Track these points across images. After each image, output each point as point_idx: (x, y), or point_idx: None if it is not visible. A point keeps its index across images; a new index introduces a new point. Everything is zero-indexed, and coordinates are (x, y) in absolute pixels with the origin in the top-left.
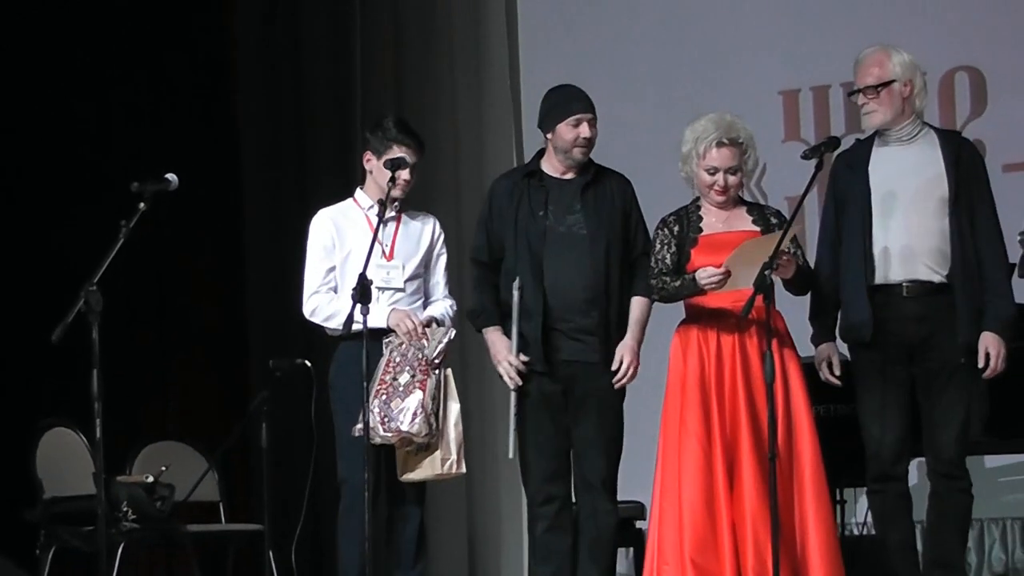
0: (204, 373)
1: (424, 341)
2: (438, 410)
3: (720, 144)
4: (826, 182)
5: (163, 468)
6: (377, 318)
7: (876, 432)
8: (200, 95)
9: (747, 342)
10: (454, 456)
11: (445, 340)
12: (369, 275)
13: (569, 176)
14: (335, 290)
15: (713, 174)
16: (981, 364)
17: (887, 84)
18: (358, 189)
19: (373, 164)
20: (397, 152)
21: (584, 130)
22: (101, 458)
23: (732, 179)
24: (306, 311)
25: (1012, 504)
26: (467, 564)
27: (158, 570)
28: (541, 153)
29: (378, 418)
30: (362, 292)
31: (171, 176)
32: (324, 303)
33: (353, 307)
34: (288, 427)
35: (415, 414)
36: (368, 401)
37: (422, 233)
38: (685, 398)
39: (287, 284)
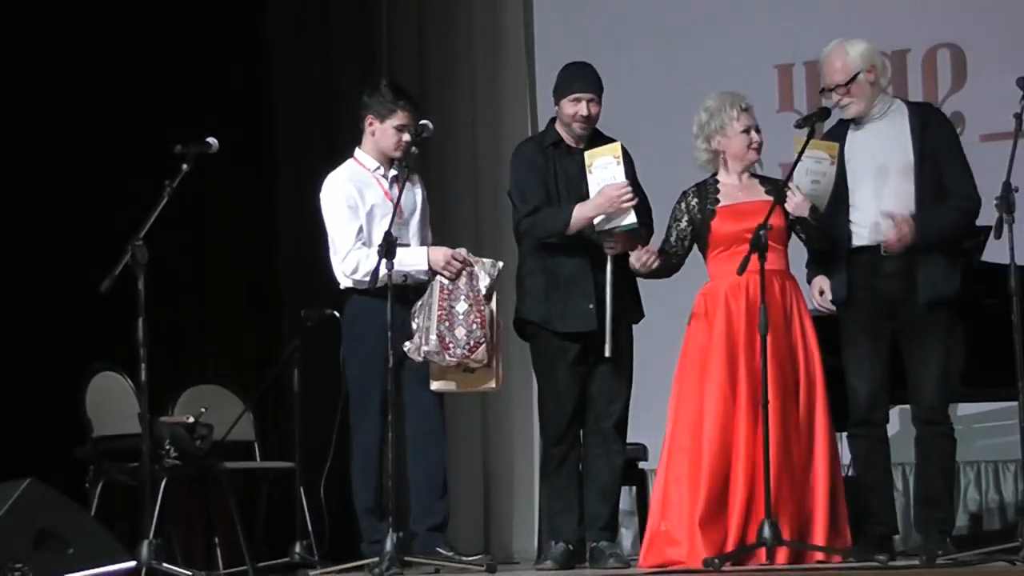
0: (241, 322)
1: (477, 271)
2: (493, 338)
3: (744, 108)
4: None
5: (203, 410)
6: (415, 259)
7: (858, 382)
8: (236, 64)
9: (773, 301)
10: (501, 374)
11: (495, 273)
12: (384, 231)
13: (582, 147)
14: (365, 245)
15: (748, 133)
16: (887, 236)
17: (854, 77)
18: (357, 150)
19: (376, 127)
20: (401, 116)
21: (582, 108)
22: (146, 400)
23: (761, 137)
24: (346, 269)
25: (986, 449)
26: (482, 503)
27: (197, 504)
28: (553, 121)
29: (442, 343)
30: (387, 248)
31: (212, 140)
32: (363, 259)
33: (379, 263)
34: (318, 372)
35: (478, 343)
36: (421, 323)
37: (416, 192)
38: (710, 353)
39: (316, 241)
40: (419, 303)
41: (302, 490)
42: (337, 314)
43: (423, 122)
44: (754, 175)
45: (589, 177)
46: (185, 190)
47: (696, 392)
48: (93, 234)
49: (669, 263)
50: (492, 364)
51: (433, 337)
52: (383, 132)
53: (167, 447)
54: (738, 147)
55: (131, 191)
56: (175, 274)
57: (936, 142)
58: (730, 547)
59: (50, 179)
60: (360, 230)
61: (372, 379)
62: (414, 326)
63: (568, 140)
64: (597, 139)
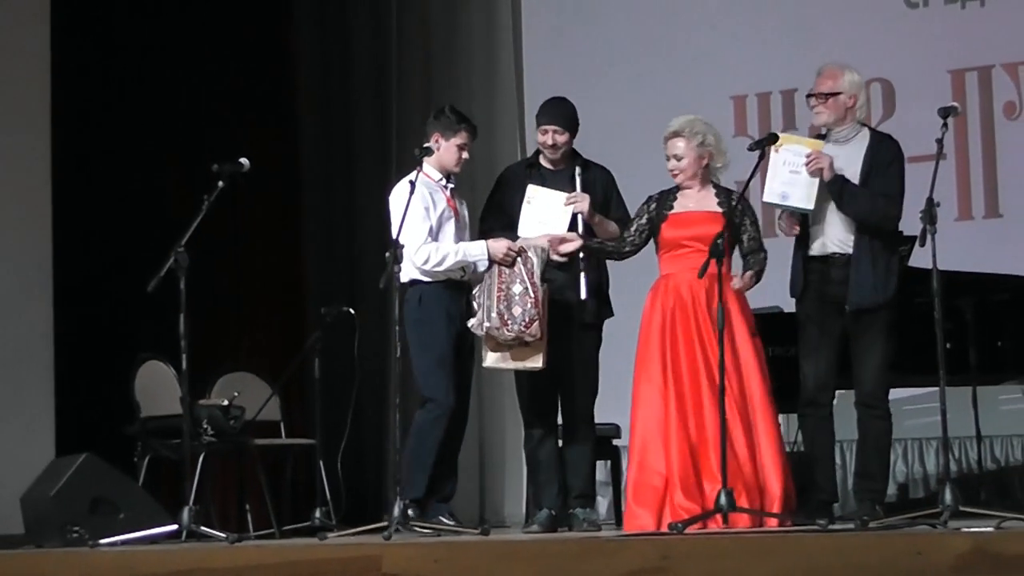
0: (269, 318)
1: (530, 255)
2: (544, 316)
3: (667, 137)
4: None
5: (236, 393)
6: (478, 250)
7: (808, 368)
8: (265, 85)
9: (699, 298)
10: (545, 352)
11: (545, 257)
12: (449, 233)
13: (561, 168)
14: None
15: (668, 161)
16: (817, 161)
17: (835, 95)
18: (426, 164)
19: (442, 144)
20: (463, 136)
21: (548, 138)
22: (187, 385)
23: (678, 164)
24: (418, 260)
25: (912, 427)
26: (478, 473)
27: (231, 475)
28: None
29: (501, 319)
30: (396, 254)
31: (244, 160)
32: (433, 251)
33: (389, 266)
34: (335, 361)
35: (532, 320)
36: (482, 302)
37: (464, 205)
38: (648, 344)
39: (336, 246)
40: (479, 285)
41: (322, 463)
42: (352, 311)
43: (427, 145)
44: (716, 186)
45: (526, 206)
46: (221, 203)
47: (639, 372)
48: (142, 240)
49: (620, 249)
50: (543, 340)
51: (494, 314)
52: (447, 149)
53: (205, 426)
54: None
55: (175, 202)
56: (213, 276)
57: (880, 163)
58: (666, 517)
59: (109, 193)
60: (431, 229)
61: (441, 360)
62: (475, 305)
63: (544, 162)
64: (576, 160)
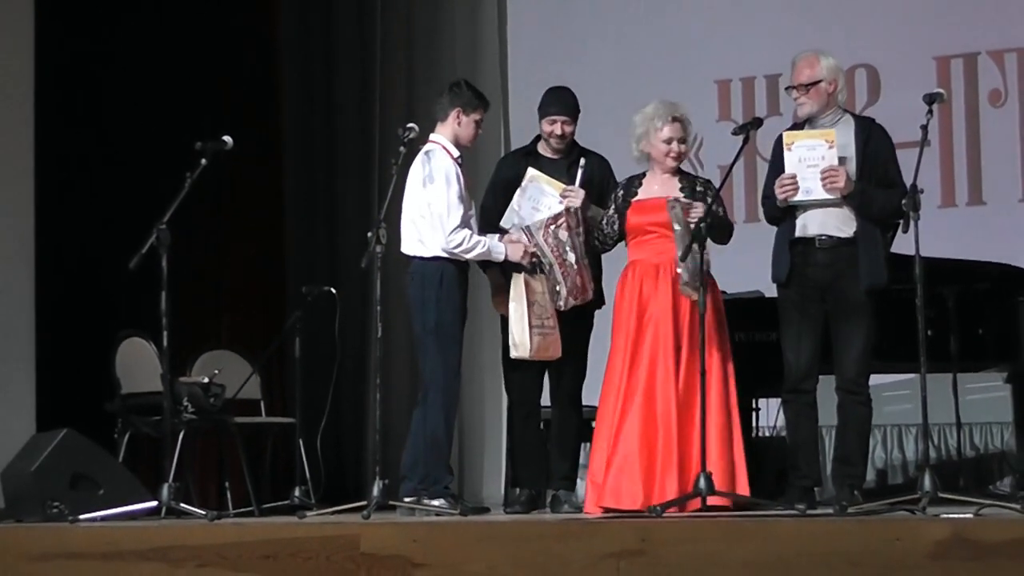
0: (250, 296)
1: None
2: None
3: (673, 120)
4: (751, 153)
5: (216, 371)
6: (500, 250)
7: (791, 355)
8: (249, 67)
9: (661, 289)
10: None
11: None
12: (464, 210)
13: (559, 157)
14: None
15: (669, 143)
16: (834, 179)
17: (816, 83)
18: (443, 138)
19: (462, 119)
20: (481, 112)
21: (556, 128)
22: (167, 362)
23: (683, 147)
24: (451, 242)
25: (892, 414)
26: (457, 453)
27: (211, 453)
28: (538, 137)
29: (571, 294)
30: (378, 233)
31: (227, 138)
32: (467, 238)
33: (372, 246)
34: (316, 340)
35: (589, 284)
36: (559, 275)
37: None
38: (616, 328)
39: (318, 225)
40: (547, 266)
41: (301, 442)
42: (333, 291)
43: (410, 125)
44: (682, 172)
45: (520, 190)
46: (204, 180)
47: (609, 358)
48: (124, 218)
49: (605, 243)
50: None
51: (564, 291)
52: (467, 124)
53: (185, 403)
54: (658, 153)
55: (157, 181)
56: (195, 254)
57: (877, 152)
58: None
59: (91, 172)
60: (464, 213)
61: (458, 339)
62: (557, 287)
63: (546, 151)
64: (575, 150)
